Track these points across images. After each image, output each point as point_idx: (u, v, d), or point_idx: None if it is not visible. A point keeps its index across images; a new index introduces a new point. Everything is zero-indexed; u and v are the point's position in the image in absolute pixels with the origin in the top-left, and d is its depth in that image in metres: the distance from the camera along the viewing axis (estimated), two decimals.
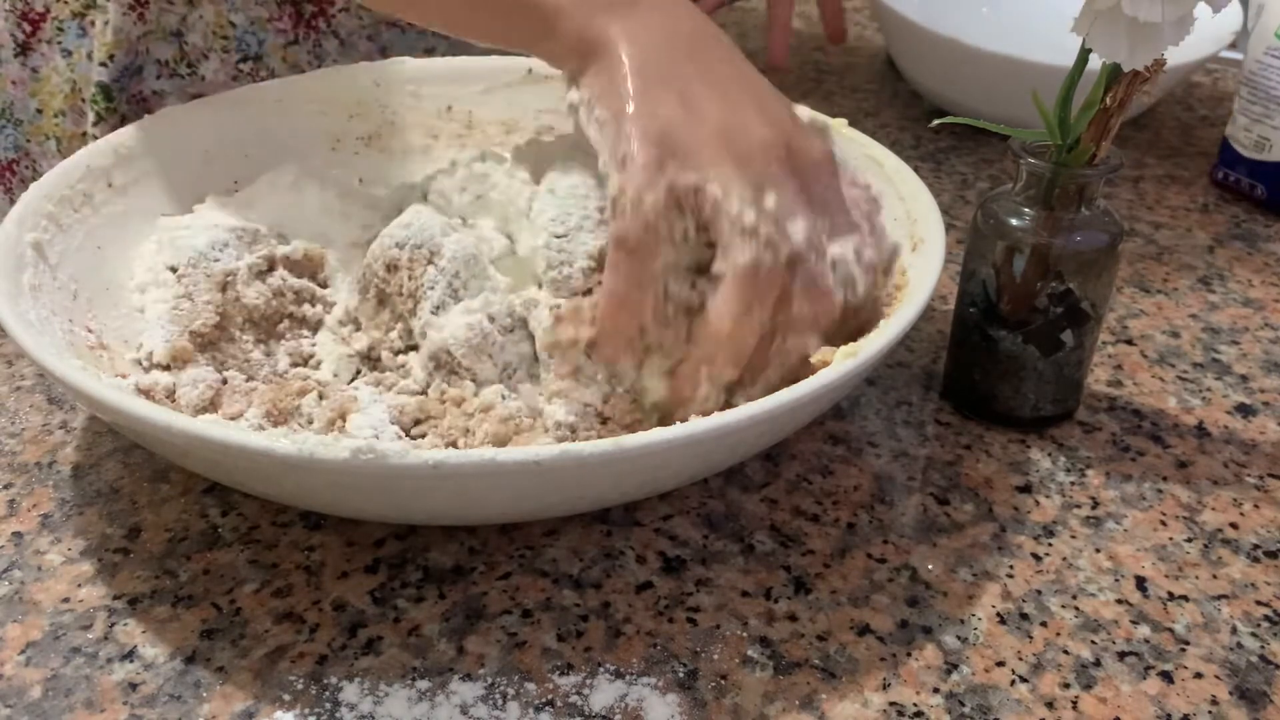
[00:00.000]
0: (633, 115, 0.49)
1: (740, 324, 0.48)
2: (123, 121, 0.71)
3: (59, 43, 0.72)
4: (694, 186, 0.48)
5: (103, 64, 0.70)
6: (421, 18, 0.60)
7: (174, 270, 0.56)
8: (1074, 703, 0.43)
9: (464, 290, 0.52)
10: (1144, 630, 0.46)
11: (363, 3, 0.60)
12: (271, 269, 0.57)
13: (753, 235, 0.47)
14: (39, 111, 0.74)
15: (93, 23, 0.71)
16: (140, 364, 0.52)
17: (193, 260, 0.55)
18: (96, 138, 0.70)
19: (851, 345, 0.48)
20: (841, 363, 0.47)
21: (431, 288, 0.52)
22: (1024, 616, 0.46)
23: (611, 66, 0.51)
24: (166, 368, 0.52)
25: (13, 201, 0.54)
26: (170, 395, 0.51)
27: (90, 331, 0.52)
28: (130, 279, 0.56)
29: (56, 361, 0.44)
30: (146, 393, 0.50)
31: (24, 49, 0.73)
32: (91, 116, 0.71)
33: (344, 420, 0.49)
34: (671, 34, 0.52)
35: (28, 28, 0.72)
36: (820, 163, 0.52)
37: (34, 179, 0.73)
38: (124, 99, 0.72)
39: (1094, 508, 0.52)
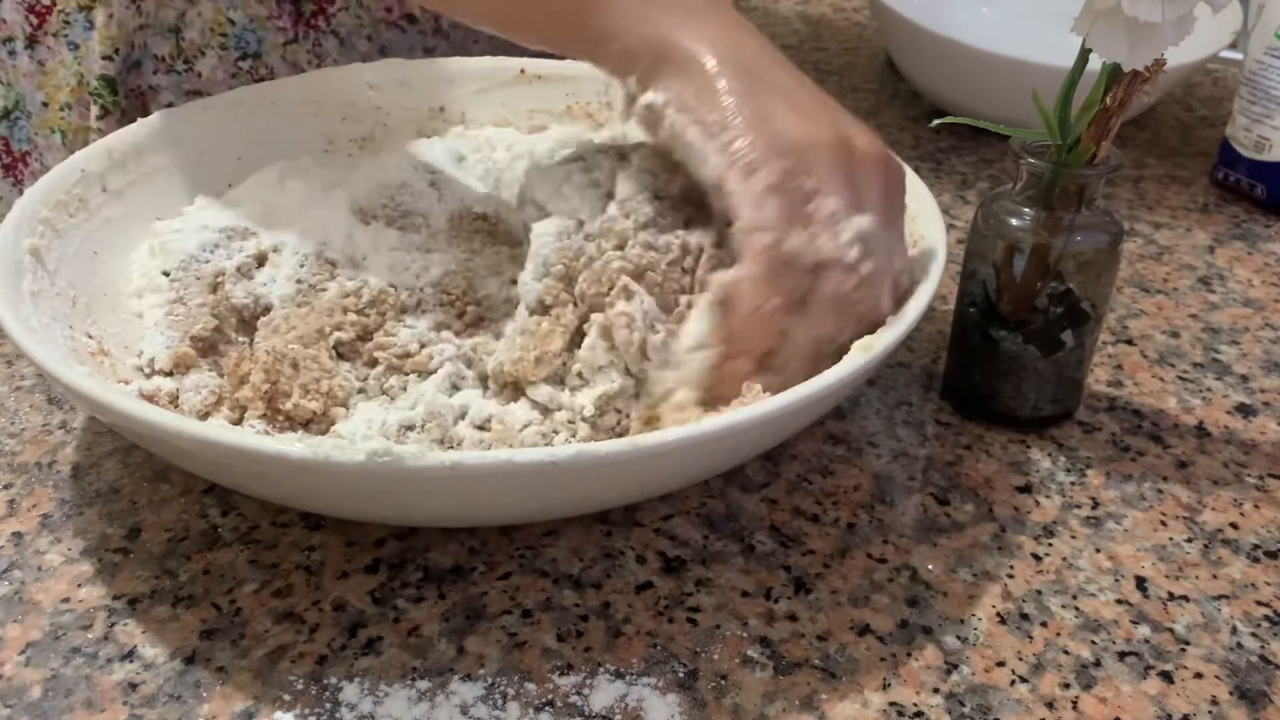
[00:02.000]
0: (750, 122, 0.49)
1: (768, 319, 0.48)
2: (124, 116, 0.71)
3: (65, 35, 0.72)
4: (813, 197, 0.48)
5: (107, 57, 0.70)
6: (471, 16, 0.60)
7: (166, 275, 0.56)
8: (1074, 703, 0.43)
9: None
10: (1144, 630, 0.46)
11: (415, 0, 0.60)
12: (261, 264, 0.56)
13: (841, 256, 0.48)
14: (45, 105, 0.74)
15: (111, 16, 0.71)
16: (142, 370, 0.52)
17: (184, 264, 0.56)
18: (102, 131, 0.70)
19: (863, 340, 0.48)
20: (842, 363, 0.47)
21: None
22: (1024, 616, 0.46)
23: (700, 70, 0.50)
24: (169, 373, 0.52)
25: (22, 194, 0.54)
26: (174, 401, 0.51)
27: (91, 337, 0.52)
28: (128, 284, 0.56)
29: (64, 369, 0.44)
30: (150, 398, 0.50)
31: (31, 42, 0.73)
32: (96, 110, 0.71)
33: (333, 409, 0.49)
34: (745, 42, 0.52)
35: (34, 20, 0.72)
36: (903, 182, 0.52)
37: (42, 172, 0.73)
38: (124, 93, 0.72)
39: (1094, 508, 0.52)
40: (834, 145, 0.49)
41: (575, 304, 0.51)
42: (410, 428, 0.49)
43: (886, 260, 0.49)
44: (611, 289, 0.50)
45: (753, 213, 0.48)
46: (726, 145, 0.49)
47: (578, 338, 0.51)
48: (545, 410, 0.50)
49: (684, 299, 0.51)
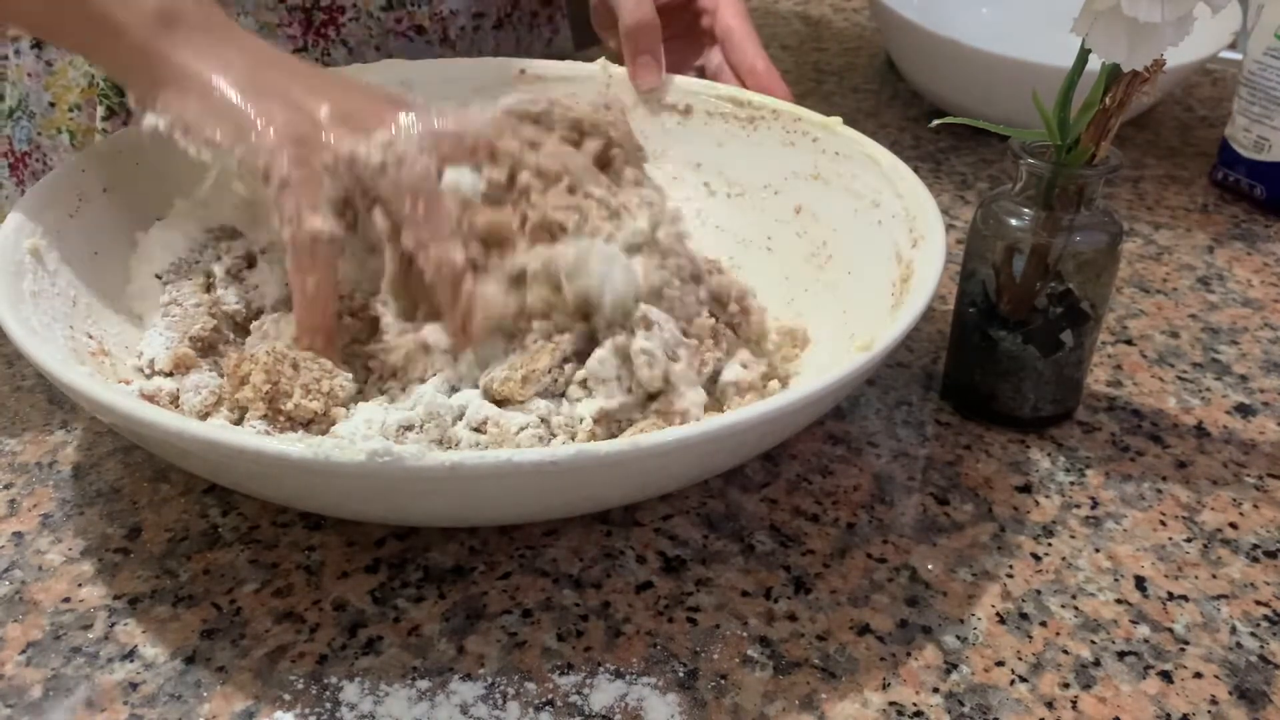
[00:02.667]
0: (256, 127, 0.50)
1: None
2: (131, 117, 0.71)
3: None
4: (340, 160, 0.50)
5: None
6: (5, 16, 0.61)
7: (159, 277, 0.56)
8: (1074, 703, 0.43)
9: None
10: (1144, 630, 0.46)
11: None
12: (251, 265, 0.57)
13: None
14: (52, 105, 0.74)
15: None
16: (142, 371, 0.52)
17: (174, 266, 0.56)
18: (107, 132, 0.70)
19: (862, 341, 0.48)
20: (841, 363, 0.47)
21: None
22: (1024, 616, 0.46)
23: (197, 87, 0.51)
24: (169, 374, 0.52)
25: (25, 193, 0.54)
26: (174, 401, 0.51)
27: (91, 337, 0.52)
28: (127, 284, 0.56)
29: (65, 370, 0.44)
30: (150, 398, 0.50)
31: (39, 41, 0.73)
32: (101, 111, 0.71)
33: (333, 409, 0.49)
34: (238, 51, 0.53)
35: None
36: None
37: (44, 172, 0.72)
38: None
39: (1094, 508, 0.52)
40: (338, 118, 0.51)
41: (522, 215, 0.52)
42: (410, 428, 0.49)
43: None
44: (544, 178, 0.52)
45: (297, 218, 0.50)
46: (246, 156, 0.50)
47: (577, 355, 0.50)
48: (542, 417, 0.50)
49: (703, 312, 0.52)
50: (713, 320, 0.53)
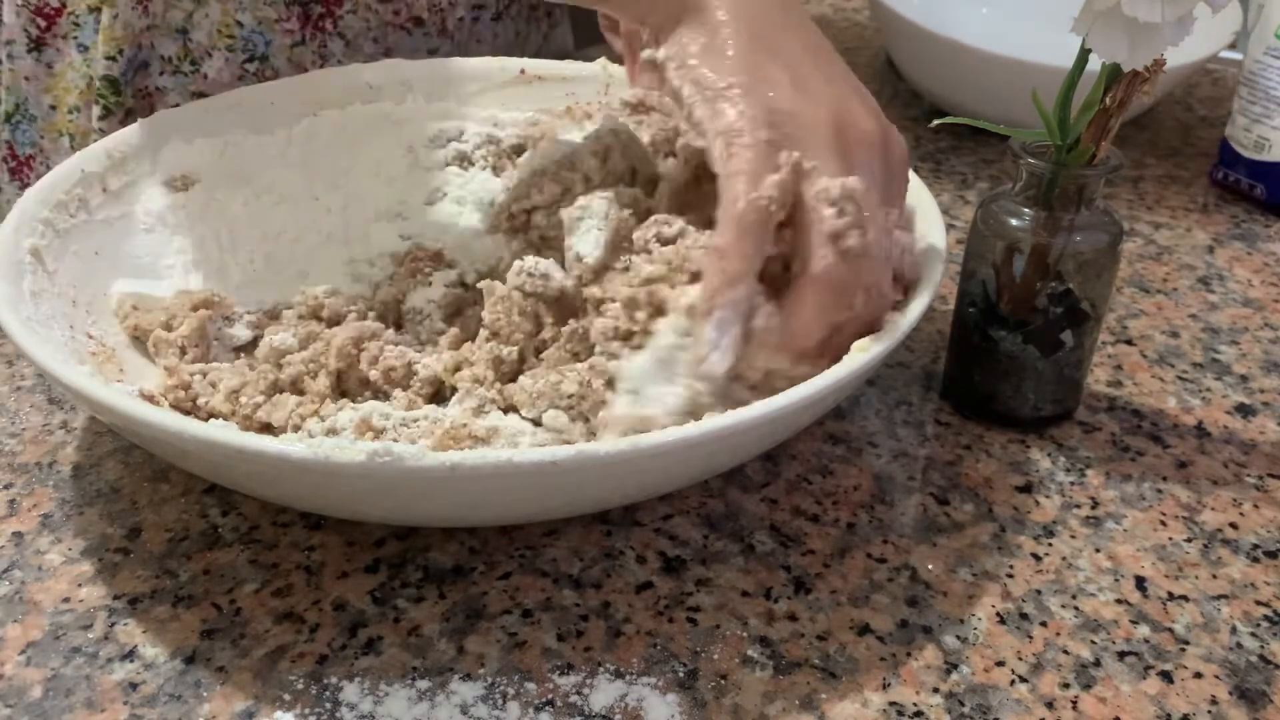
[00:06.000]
0: (744, 88, 0.48)
1: (812, 324, 0.46)
2: (128, 116, 0.71)
3: (75, 38, 0.72)
4: (799, 174, 0.47)
5: (110, 58, 0.70)
6: None
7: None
8: (1074, 703, 0.43)
9: None
10: (1144, 630, 0.46)
11: None
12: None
13: (837, 240, 0.46)
14: (52, 108, 0.74)
15: (116, 16, 0.71)
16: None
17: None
18: (103, 131, 0.70)
19: (861, 341, 0.48)
20: (842, 363, 0.47)
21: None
22: (1024, 616, 0.46)
23: (710, 26, 0.49)
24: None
25: None
26: (189, 394, 0.52)
27: (91, 337, 0.52)
28: (127, 284, 0.56)
29: (65, 369, 0.44)
30: (150, 398, 0.50)
31: (38, 45, 0.72)
32: (98, 110, 0.71)
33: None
34: (765, 2, 0.51)
35: (42, 23, 0.72)
36: (904, 162, 0.51)
37: None
38: (130, 93, 0.72)
39: (1094, 508, 0.52)
40: (828, 121, 0.48)
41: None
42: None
43: (883, 237, 0.48)
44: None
45: (724, 168, 0.47)
46: (717, 112, 0.48)
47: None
48: (540, 424, 0.50)
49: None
50: None
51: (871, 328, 0.48)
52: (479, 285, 0.54)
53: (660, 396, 0.47)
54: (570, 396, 0.48)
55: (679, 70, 0.50)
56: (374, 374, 0.52)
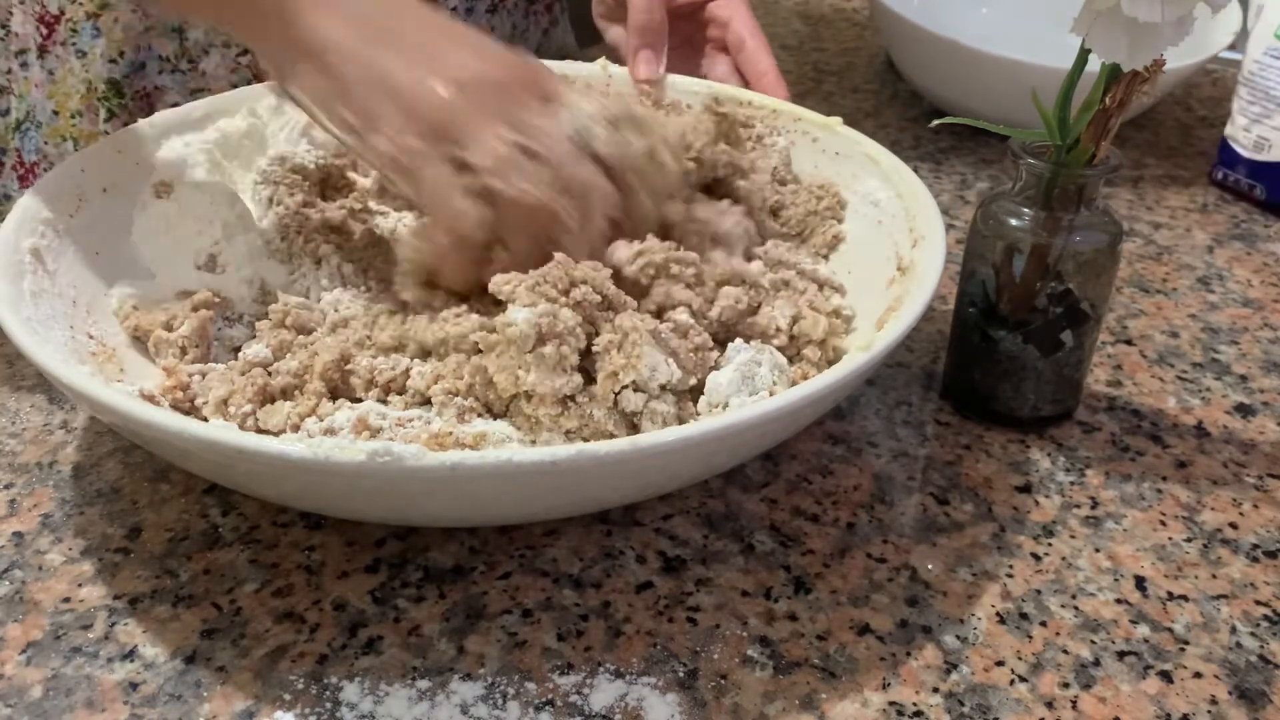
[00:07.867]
0: (375, 117, 0.50)
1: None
2: (131, 117, 0.71)
3: (74, 44, 0.72)
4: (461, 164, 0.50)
5: (113, 60, 0.71)
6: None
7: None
8: (1073, 702, 0.43)
9: None
10: (1143, 630, 0.46)
11: None
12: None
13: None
14: (55, 113, 0.74)
15: (116, 20, 0.71)
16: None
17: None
18: (109, 135, 0.70)
19: (862, 341, 0.48)
20: (842, 363, 0.47)
21: None
22: (1024, 616, 0.47)
23: (321, 64, 0.51)
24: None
25: None
26: (188, 395, 0.51)
27: (91, 337, 0.52)
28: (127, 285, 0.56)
29: (65, 369, 0.44)
30: (150, 398, 0.50)
31: (41, 51, 0.73)
32: (103, 113, 0.72)
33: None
34: (368, 11, 0.53)
35: (44, 30, 0.72)
36: (533, 77, 0.53)
37: None
38: (130, 94, 0.72)
39: (1093, 508, 0.52)
40: (461, 98, 0.50)
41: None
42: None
43: (545, 147, 0.50)
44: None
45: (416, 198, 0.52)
46: (369, 146, 0.51)
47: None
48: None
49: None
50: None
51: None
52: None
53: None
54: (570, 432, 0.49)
55: (323, 113, 0.53)
56: (372, 391, 0.52)
